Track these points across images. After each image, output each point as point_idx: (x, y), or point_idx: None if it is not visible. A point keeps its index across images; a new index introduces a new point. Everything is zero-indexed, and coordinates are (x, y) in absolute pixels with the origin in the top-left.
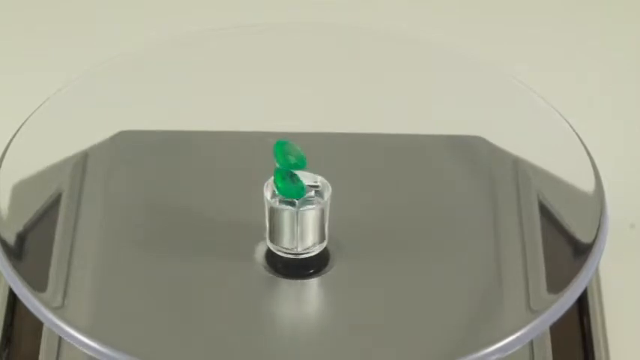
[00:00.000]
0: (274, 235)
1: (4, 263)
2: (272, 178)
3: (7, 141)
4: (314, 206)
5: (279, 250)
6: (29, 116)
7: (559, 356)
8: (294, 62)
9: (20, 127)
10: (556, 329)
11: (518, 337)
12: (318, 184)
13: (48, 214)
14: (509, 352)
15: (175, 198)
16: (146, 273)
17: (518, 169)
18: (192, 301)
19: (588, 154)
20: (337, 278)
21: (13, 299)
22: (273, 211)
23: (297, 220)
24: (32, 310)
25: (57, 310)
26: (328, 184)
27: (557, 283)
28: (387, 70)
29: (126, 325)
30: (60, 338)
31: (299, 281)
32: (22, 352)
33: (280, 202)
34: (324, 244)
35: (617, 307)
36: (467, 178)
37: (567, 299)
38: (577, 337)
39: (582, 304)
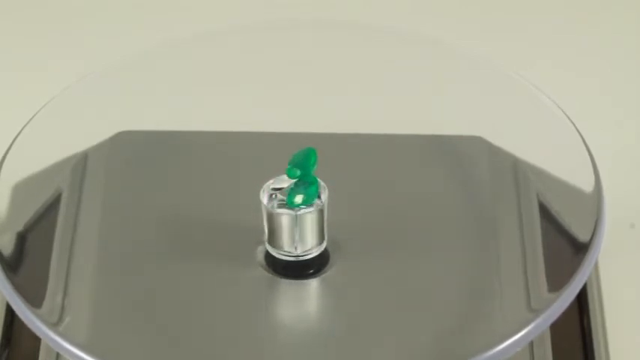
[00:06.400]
0: (273, 238)
1: (1, 276)
2: (269, 182)
3: (7, 141)
4: (312, 208)
5: (279, 253)
6: (31, 118)
7: (559, 356)
8: (295, 62)
9: (23, 128)
10: (556, 329)
11: (518, 338)
12: None
13: (48, 214)
14: (511, 354)
15: (175, 198)
16: (145, 276)
17: (518, 169)
18: (193, 304)
19: (589, 153)
20: (337, 278)
21: None
22: (270, 215)
23: (295, 223)
24: (30, 326)
25: (54, 325)
26: (325, 186)
27: (556, 282)
28: (387, 70)
29: (125, 333)
30: None
31: (299, 282)
32: (22, 352)
33: (278, 206)
34: (324, 245)
35: (617, 307)
36: (466, 179)
37: (566, 297)
38: (577, 337)
39: (582, 304)
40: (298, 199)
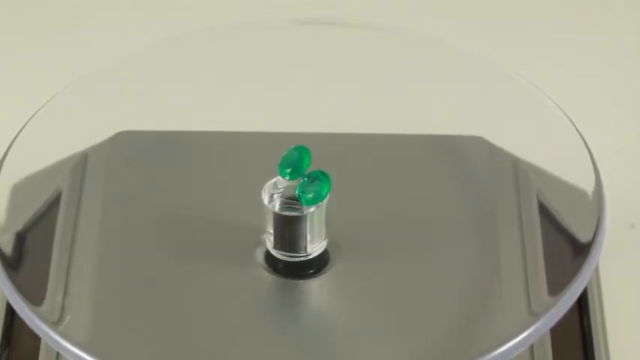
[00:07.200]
0: (274, 239)
1: (2, 275)
2: (269, 182)
3: (7, 141)
4: (313, 208)
5: (280, 254)
6: (31, 117)
7: (559, 357)
8: (295, 62)
9: (22, 127)
10: (556, 329)
11: (518, 342)
12: None
13: (48, 214)
14: (511, 356)
15: (175, 198)
16: (146, 276)
17: (518, 169)
18: (193, 305)
19: (590, 153)
20: (337, 278)
21: None
22: (271, 216)
23: (296, 223)
24: (30, 324)
25: (54, 324)
26: None
27: (557, 284)
28: (387, 70)
29: (125, 333)
30: None
31: (299, 281)
32: (22, 352)
33: (284, 207)
34: (325, 245)
35: (617, 307)
36: (467, 179)
37: (566, 301)
38: (577, 337)
39: (582, 304)
40: (311, 196)
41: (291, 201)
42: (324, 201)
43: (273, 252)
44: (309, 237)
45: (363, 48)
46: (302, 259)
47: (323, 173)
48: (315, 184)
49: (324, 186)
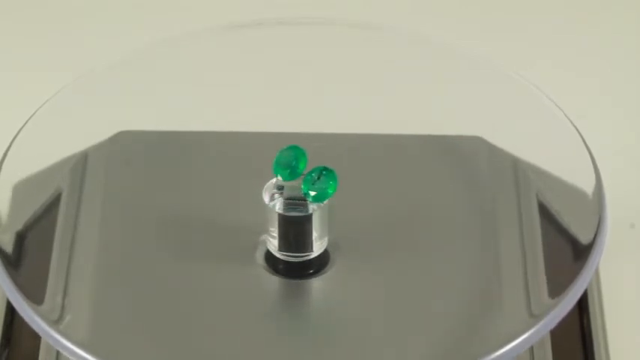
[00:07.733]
0: (278, 240)
1: (2, 273)
2: (270, 182)
3: (7, 141)
4: (318, 206)
5: (284, 255)
6: (30, 117)
7: (559, 357)
8: (295, 62)
9: (22, 127)
10: (556, 329)
11: (518, 343)
12: None
13: (48, 214)
14: (511, 358)
15: (175, 198)
16: (146, 276)
17: (518, 169)
18: (193, 305)
19: (590, 153)
20: (337, 278)
21: None
22: (275, 217)
23: (302, 223)
24: (30, 323)
25: (55, 323)
26: None
27: (557, 286)
28: (387, 70)
29: (125, 333)
30: None
31: (299, 282)
32: (22, 352)
33: (283, 208)
34: (326, 243)
35: (617, 307)
36: (466, 179)
37: (566, 303)
38: (577, 337)
39: (582, 304)
40: (319, 194)
41: (293, 201)
42: (321, 205)
43: (277, 254)
44: (315, 235)
45: (363, 48)
46: (304, 258)
47: (326, 169)
48: (321, 181)
49: (331, 182)
